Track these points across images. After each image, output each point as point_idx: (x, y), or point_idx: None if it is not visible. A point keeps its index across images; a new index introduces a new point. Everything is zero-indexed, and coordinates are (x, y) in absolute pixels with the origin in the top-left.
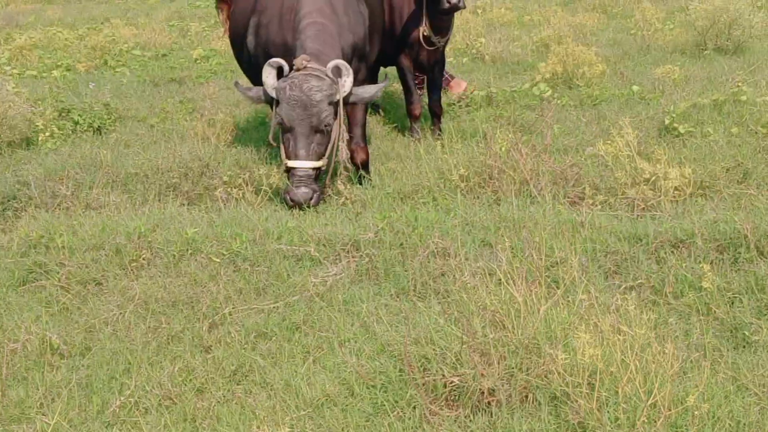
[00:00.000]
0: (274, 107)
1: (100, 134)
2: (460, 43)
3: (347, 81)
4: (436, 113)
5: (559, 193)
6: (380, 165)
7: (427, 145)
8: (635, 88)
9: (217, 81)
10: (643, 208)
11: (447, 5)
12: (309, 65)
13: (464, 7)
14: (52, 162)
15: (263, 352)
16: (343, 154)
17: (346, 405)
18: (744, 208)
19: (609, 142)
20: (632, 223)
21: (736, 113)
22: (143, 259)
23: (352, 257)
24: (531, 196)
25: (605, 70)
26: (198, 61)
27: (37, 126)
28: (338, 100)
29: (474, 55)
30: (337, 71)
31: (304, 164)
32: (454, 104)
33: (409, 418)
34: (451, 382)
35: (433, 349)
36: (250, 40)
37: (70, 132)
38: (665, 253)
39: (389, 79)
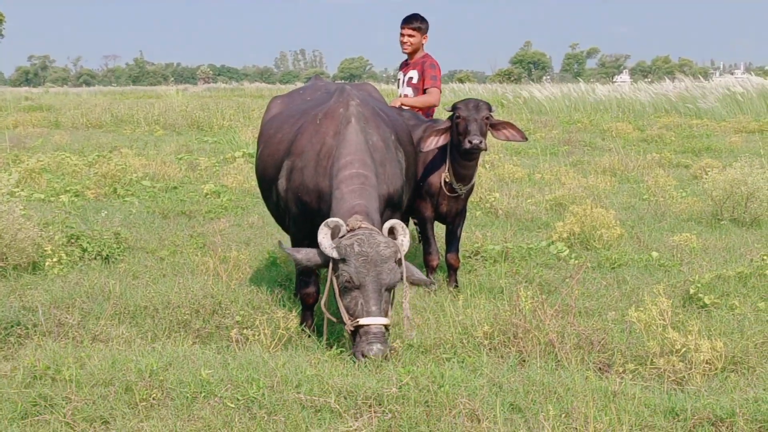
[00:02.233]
0: (331, 267)
1: (109, 263)
2: (472, 197)
3: (405, 240)
4: (453, 266)
5: (586, 358)
6: (396, 316)
7: (449, 298)
8: (655, 254)
9: (228, 217)
10: (674, 380)
11: (468, 145)
12: (362, 224)
13: (485, 149)
14: (59, 289)
15: None
16: (407, 311)
17: None
18: None
19: (641, 309)
20: (668, 397)
21: (761, 287)
22: (154, 398)
23: (374, 412)
24: (556, 359)
25: (623, 233)
26: (208, 196)
27: (45, 251)
28: (400, 258)
29: (487, 210)
30: (392, 231)
31: (377, 320)
32: (470, 257)
33: None
34: None
35: None
36: (281, 183)
37: (78, 259)
38: (704, 431)
39: (435, 284)
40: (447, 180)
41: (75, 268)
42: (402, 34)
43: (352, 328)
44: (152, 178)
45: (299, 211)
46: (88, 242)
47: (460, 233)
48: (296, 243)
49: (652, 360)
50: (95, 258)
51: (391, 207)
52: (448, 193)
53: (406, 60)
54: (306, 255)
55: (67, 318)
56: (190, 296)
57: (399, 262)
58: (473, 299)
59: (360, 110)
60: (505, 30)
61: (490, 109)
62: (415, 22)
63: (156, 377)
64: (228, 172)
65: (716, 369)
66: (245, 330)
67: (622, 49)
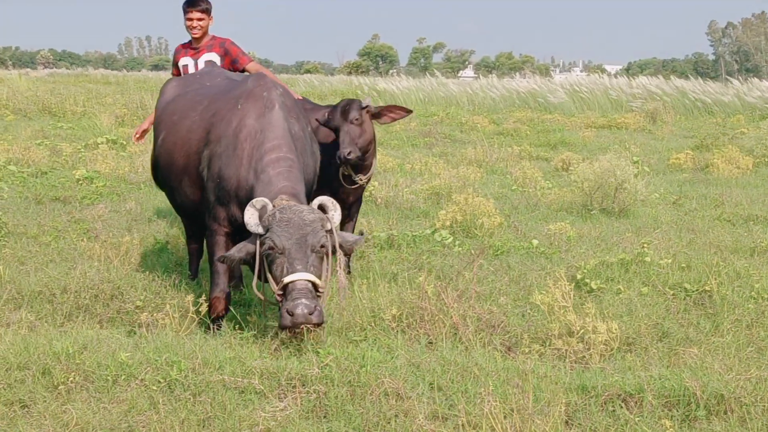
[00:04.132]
0: (258, 244)
1: None
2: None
3: (336, 215)
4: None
5: (493, 340)
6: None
7: (355, 283)
8: (535, 242)
9: (105, 203)
10: (574, 360)
11: (339, 160)
12: (289, 203)
13: (353, 159)
14: None
15: None
16: (342, 281)
17: None
18: (675, 365)
19: (544, 292)
20: (578, 375)
21: (642, 273)
22: (72, 382)
23: (299, 393)
24: (461, 341)
25: (503, 221)
26: (81, 182)
27: None
28: (331, 229)
29: (367, 198)
30: (323, 208)
31: (301, 276)
32: None
33: None
34: None
35: None
36: (204, 173)
37: None
38: (614, 406)
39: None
40: (345, 173)
41: None
42: (190, 18)
43: (280, 292)
44: (17, 164)
45: (216, 198)
46: None
47: (356, 220)
48: (213, 232)
49: (551, 341)
50: None
51: (306, 196)
52: (346, 185)
53: (190, 44)
54: (237, 249)
55: None
56: (87, 281)
57: (329, 232)
58: (375, 284)
59: (283, 99)
60: (352, 21)
61: (360, 105)
62: (202, 3)
63: (73, 360)
64: (95, 158)
65: (612, 349)
66: (155, 314)
67: (468, 45)
